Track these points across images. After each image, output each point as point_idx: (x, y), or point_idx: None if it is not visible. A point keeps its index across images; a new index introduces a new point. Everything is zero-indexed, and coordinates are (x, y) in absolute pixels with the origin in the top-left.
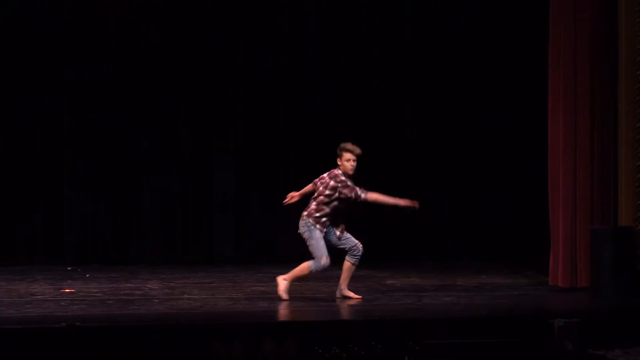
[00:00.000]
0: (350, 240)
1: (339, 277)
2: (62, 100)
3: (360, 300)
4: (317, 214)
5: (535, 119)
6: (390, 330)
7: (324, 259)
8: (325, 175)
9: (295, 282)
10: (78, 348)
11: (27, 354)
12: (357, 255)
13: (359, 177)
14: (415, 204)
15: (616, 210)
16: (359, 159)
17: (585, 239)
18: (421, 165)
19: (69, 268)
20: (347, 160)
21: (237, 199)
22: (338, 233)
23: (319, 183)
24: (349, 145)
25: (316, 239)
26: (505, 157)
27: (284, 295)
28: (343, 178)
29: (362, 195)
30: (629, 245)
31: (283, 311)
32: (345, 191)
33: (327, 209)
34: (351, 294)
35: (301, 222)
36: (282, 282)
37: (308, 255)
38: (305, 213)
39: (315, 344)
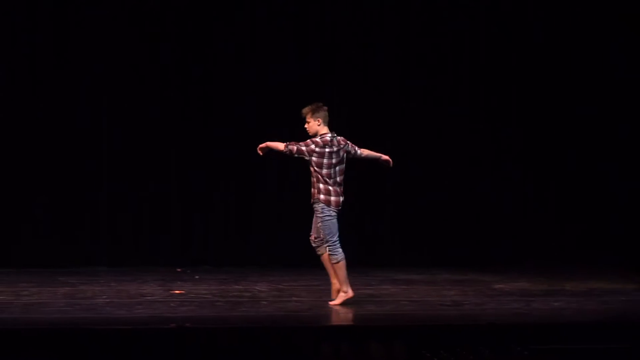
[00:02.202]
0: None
1: (448, 281)
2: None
3: None
4: None
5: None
6: (499, 334)
7: None
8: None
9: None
10: (187, 349)
11: (137, 355)
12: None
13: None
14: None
15: None
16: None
17: None
18: (526, 164)
19: (178, 270)
20: None
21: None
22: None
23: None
24: None
25: None
26: (614, 157)
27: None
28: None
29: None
30: None
31: (391, 314)
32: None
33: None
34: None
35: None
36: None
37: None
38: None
39: (423, 347)
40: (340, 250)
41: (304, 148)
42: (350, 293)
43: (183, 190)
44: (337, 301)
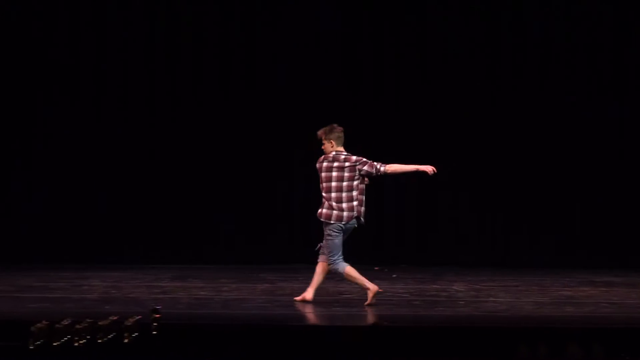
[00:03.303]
0: None
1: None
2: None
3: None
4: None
5: None
6: None
7: None
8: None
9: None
10: (384, 347)
11: (333, 352)
12: None
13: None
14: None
15: None
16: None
17: None
18: None
19: (376, 268)
20: None
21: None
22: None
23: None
24: None
25: None
26: None
27: None
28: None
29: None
30: None
31: (590, 316)
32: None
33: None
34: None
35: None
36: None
37: None
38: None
39: (622, 350)
40: (340, 264)
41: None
42: (373, 287)
43: (379, 189)
44: (369, 301)
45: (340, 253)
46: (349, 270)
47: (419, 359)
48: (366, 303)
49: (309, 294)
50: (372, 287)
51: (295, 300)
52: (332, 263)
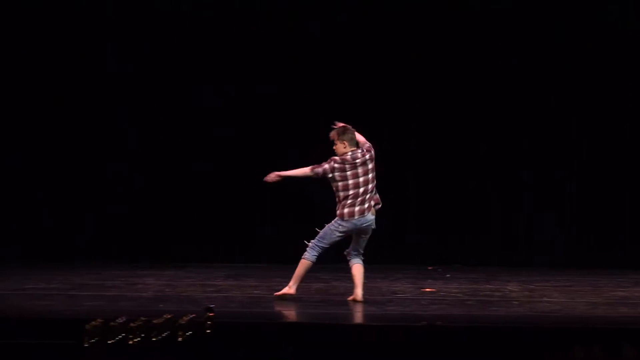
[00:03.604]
0: None
1: None
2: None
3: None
4: None
5: None
6: None
7: None
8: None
9: None
10: (437, 347)
11: (388, 351)
12: None
13: None
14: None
15: None
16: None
17: None
18: None
19: (429, 268)
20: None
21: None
22: None
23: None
24: None
25: None
26: None
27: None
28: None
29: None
30: None
31: None
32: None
33: None
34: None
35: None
36: None
37: None
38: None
39: None
40: (316, 254)
41: (327, 166)
42: (293, 291)
43: (434, 188)
44: (279, 292)
45: (324, 249)
46: (305, 263)
47: (472, 358)
48: (276, 293)
49: (357, 295)
50: (291, 290)
51: (349, 300)
52: (310, 244)
